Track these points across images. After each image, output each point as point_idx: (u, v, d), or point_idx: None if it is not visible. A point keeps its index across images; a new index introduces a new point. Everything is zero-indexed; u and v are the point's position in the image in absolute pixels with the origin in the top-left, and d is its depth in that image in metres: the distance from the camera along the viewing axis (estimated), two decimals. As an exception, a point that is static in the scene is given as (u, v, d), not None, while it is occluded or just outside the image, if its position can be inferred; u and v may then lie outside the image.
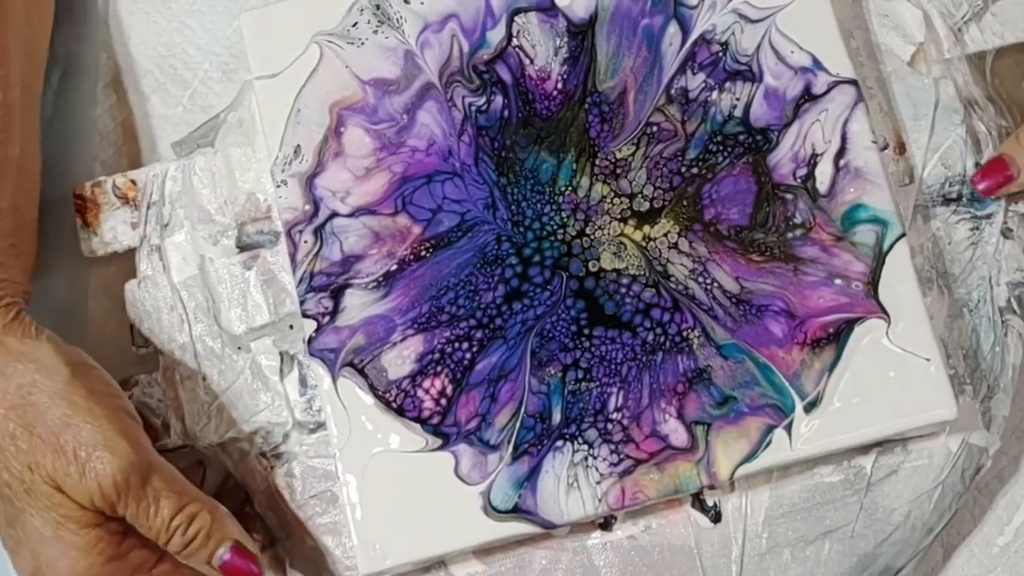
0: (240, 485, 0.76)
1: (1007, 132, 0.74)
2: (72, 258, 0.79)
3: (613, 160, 0.72)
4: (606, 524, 0.72)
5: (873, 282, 0.70)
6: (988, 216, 0.73)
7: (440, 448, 0.70)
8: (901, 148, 0.73)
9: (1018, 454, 0.78)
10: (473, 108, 0.73)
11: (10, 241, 0.72)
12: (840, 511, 0.71)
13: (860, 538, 0.71)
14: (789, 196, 0.71)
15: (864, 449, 0.71)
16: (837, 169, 0.71)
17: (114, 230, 0.77)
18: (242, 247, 0.76)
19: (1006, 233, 0.72)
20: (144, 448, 0.69)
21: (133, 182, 0.77)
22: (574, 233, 0.72)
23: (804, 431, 0.69)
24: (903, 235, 0.70)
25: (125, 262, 0.77)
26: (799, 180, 0.71)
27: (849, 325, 0.69)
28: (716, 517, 0.72)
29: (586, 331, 0.71)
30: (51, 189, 0.78)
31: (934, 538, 0.72)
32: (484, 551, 0.72)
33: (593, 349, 0.70)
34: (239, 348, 0.75)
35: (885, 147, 0.73)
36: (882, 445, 0.71)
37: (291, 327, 0.74)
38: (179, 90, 0.82)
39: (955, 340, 0.72)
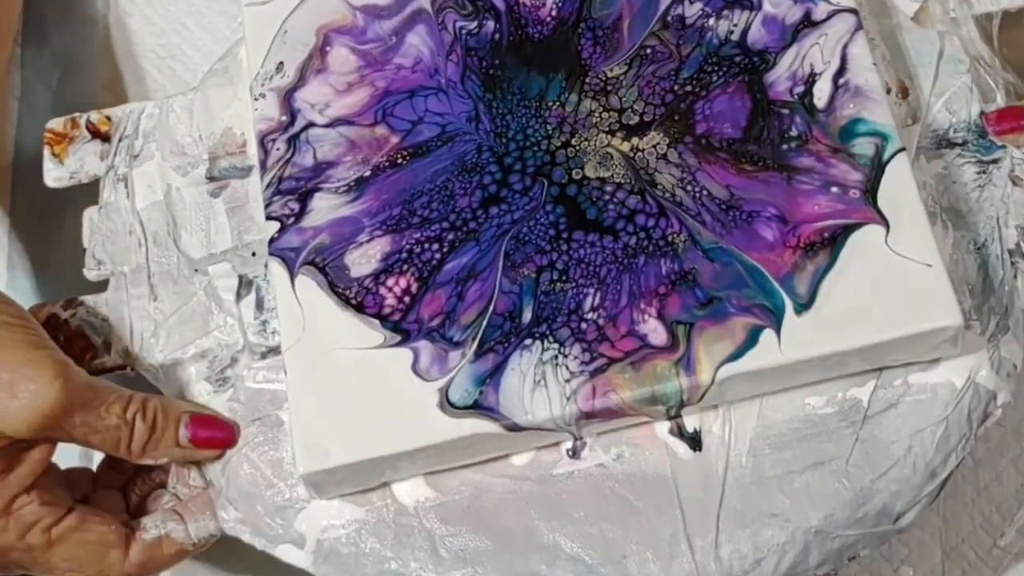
0: None
1: (1015, 89, 0.70)
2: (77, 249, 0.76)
3: (604, 79, 0.70)
4: (574, 452, 0.65)
5: (872, 190, 0.65)
6: (995, 161, 0.69)
7: (399, 344, 0.65)
8: (904, 92, 0.70)
9: (1017, 455, 0.76)
10: (464, 31, 0.71)
11: None
12: (833, 443, 0.65)
13: (855, 472, 0.64)
14: (785, 111, 0.68)
15: (860, 380, 0.65)
16: (836, 87, 0.68)
17: (82, 160, 0.74)
18: (212, 179, 0.72)
19: (1015, 180, 0.68)
20: (66, 365, 0.65)
21: (108, 118, 0.74)
22: (559, 144, 0.68)
23: (795, 334, 0.63)
24: (903, 149, 0.66)
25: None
26: (796, 97, 0.68)
27: (845, 231, 0.65)
28: (696, 444, 0.65)
29: (564, 235, 0.66)
30: (51, 189, 0.76)
31: (938, 486, 0.65)
32: (435, 474, 0.66)
33: (571, 252, 0.66)
34: (196, 271, 0.70)
35: (888, 91, 0.70)
36: (880, 377, 0.65)
37: (254, 254, 0.70)
38: (177, 91, 0.80)
39: (961, 276, 0.66)
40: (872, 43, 0.71)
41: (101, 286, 0.72)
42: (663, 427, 0.65)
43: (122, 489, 0.71)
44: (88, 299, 0.71)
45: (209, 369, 0.69)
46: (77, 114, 0.74)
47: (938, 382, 0.65)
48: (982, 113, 0.69)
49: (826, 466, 0.64)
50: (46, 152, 0.74)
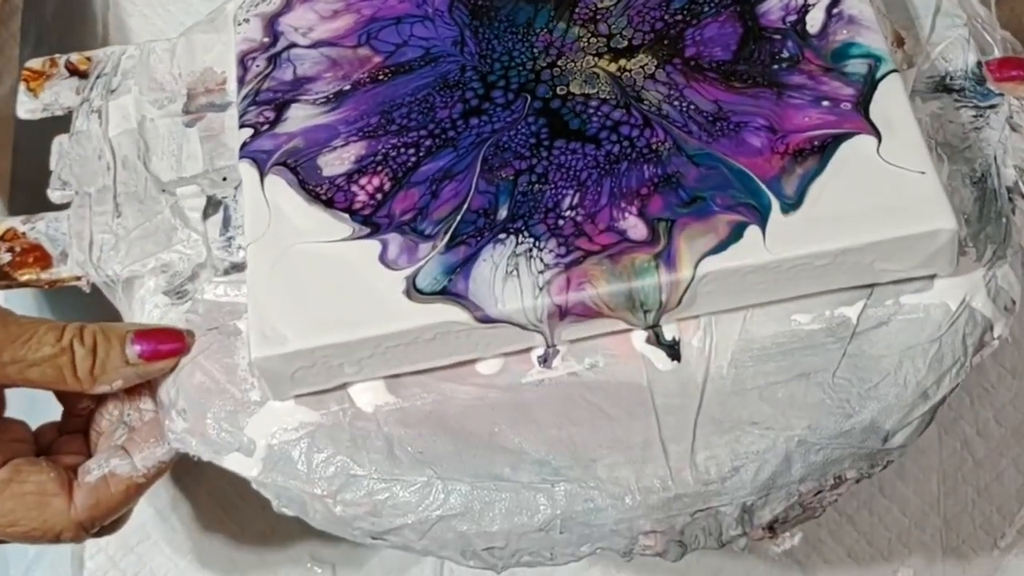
0: None
1: (1012, 47, 0.69)
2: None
3: (593, 8, 0.68)
4: (545, 359, 0.62)
5: (863, 103, 0.63)
6: (992, 106, 0.67)
7: (367, 236, 0.62)
8: (899, 42, 0.69)
9: (1018, 455, 0.74)
10: (453, -36, 0.70)
11: None
12: (819, 356, 0.61)
13: (842, 384, 0.60)
14: (777, 36, 0.66)
15: (848, 299, 0.62)
16: (830, 16, 0.66)
17: (56, 95, 0.72)
18: (188, 113, 0.71)
19: (1014, 127, 0.66)
20: None
21: (88, 58, 0.73)
22: (544, 65, 0.67)
23: (781, 232, 0.60)
24: (896, 70, 0.64)
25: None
26: (788, 24, 0.66)
27: (836, 140, 0.62)
28: (674, 353, 0.61)
29: (546, 143, 0.64)
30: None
31: (931, 410, 0.61)
32: (398, 382, 0.62)
33: (551, 159, 0.63)
34: (163, 191, 0.68)
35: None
36: (870, 296, 0.62)
37: (224, 179, 0.68)
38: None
39: (956, 206, 0.63)
40: (866, -1, 0.70)
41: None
42: (640, 339, 0.62)
43: (86, 433, 0.67)
44: (50, 215, 0.68)
45: (168, 283, 0.66)
46: (57, 55, 0.73)
47: (932, 303, 0.62)
48: (980, 63, 0.67)
49: (811, 378, 0.60)
50: (21, 87, 0.72)
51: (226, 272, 0.65)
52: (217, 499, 0.79)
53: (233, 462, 0.62)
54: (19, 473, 0.63)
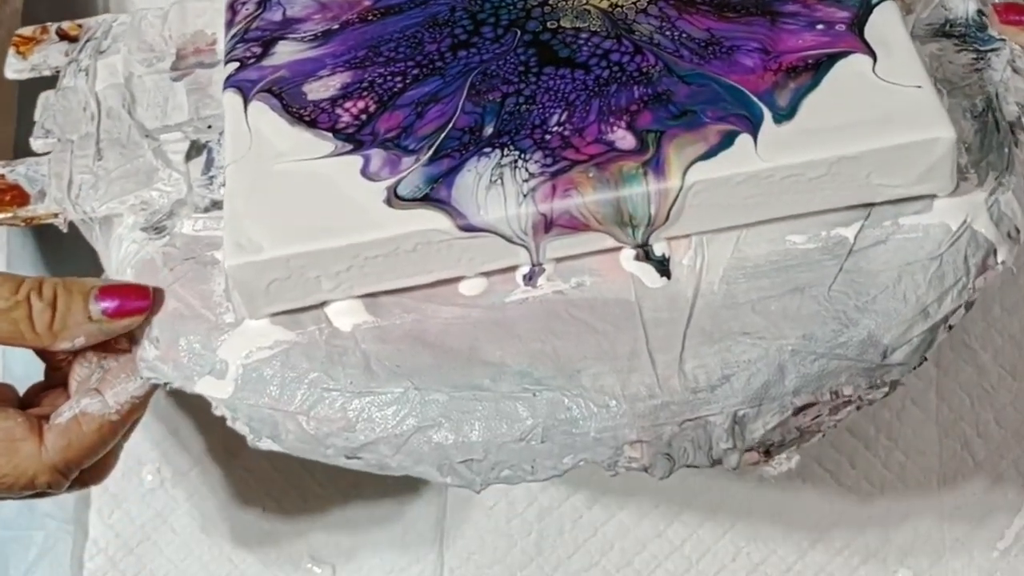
0: None
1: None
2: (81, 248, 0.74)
3: (587, -46, 0.68)
4: (530, 277, 0.60)
5: (859, 24, 0.62)
6: (994, 50, 0.65)
7: (350, 152, 0.61)
8: (897, -10, 0.68)
9: (1018, 456, 0.74)
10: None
11: None
12: (815, 272, 0.59)
13: (838, 297, 0.58)
14: (770, -26, 0.65)
15: (845, 220, 0.60)
16: (825, -44, 0.66)
17: (45, 57, 0.71)
18: (176, 71, 0.70)
19: (1016, 69, 0.65)
20: None
21: (80, 25, 0.72)
22: (535, 3, 0.66)
23: (773, 141, 0.58)
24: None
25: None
26: (783, -36, 0.66)
27: (831, 59, 0.61)
28: (663, 269, 0.59)
29: (535, 70, 0.63)
30: None
31: (931, 328, 0.58)
32: (377, 302, 0.60)
33: (540, 83, 0.62)
34: (147, 136, 0.67)
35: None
36: (868, 217, 0.60)
37: (209, 127, 0.67)
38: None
39: (957, 134, 0.62)
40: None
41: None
42: (629, 257, 0.60)
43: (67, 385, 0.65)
44: (30, 159, 0.67)
45: (147, 220, 0.64)
46: (49, 23, 0.72)
47: (931, 223, 0.60)
48: (980, 11, 0.66)
49: (806, 291, 0.58)
50: (11, 51, 0.71)
51: (206, 209, 0.64)
52: (217, 500, 0.77)
53: (205, 385, 0.60)
54: None
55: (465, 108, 0.61)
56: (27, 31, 0.72)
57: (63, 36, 0.71)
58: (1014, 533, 0.74)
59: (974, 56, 0.65)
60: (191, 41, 0.70)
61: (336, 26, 0.66)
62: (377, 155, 0.60)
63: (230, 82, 0.64)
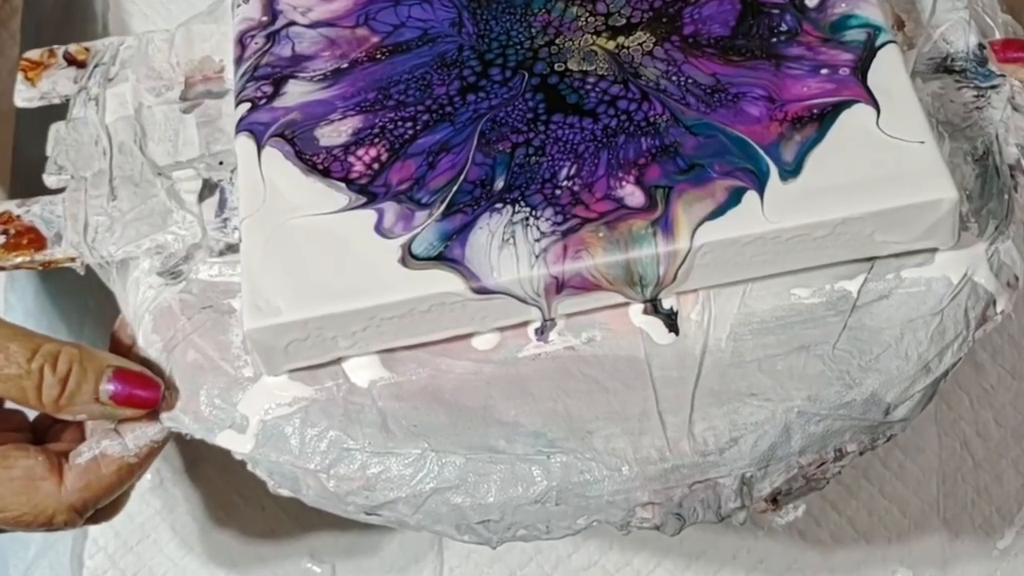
0: (127, 329, 0.66)
1: (1013, 31, 0.69)
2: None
3: (592, -12, 0.68)
4: (542, 332, 0.61)
5: (862, 69, 0.63)
6: (994, 87, 0.66)
7: (364, 206, 0.61)
8: (899, 24, 0.68)
9: (1018, 456, 0.74)
10: (450, -54, 0.70)
11: None
12: (819, 329, 0.60)
13: (843, 355, 0.59)
14: (775, 11, 0.66)
15: (849, 273, 0.61)
16: (829, -10, 0.66)
17: (54, 83, 0.71)
18: (185, 100, 0.70)
19: (1016, 107, 0.66)
20: None
21: (87, 48, 0.73)
22: (542, 43, 0.66)
23: (779, 200, 0.59)
24: (895, 41, 0.64)
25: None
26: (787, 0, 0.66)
27: (835, 108, 0.62)
28: (671, 323, 0.61)
29: (543, 117, 0.63)
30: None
31: (933, 383, 0.60)
32: (392, 357, 0.61)
33: (549, 132, 0.63)
34: (159, 175, 0.67)
35: (881, 21, 0.69)
36: (871, 270, 0.61)
37: (221, 163, 0.67)
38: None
39: (958, 182, 0.62)
40: (869, -21, 0.69)
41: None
42: (638, 312, 0.61)
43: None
44: (45, 198, 0.68)
45: (163, 264, 0.65)
46: (56, 46, 0.73)
47: (933, 276, 0.61)
48: (981, 45, 0.67)
49: (811, 350, 0.60)
50: (19, 76, 0.72)
51: (221, 253, 0.65)
52: (217, 498, 0.78)
53: (226, 439, 0.61)
54: (6, 459, 0.62)
55: (476, 159, 0.62)
56: (34, 55, 0.72)
57: (71, 61, 0.72)
58: (1014, 532, 0.74)
59: (975, 94, 0.66)
60: (199, 68, 0.71)
61: (345, 65, 0.66)
62: (390, 208, 0.61)
63: (243, 125, 0.64)
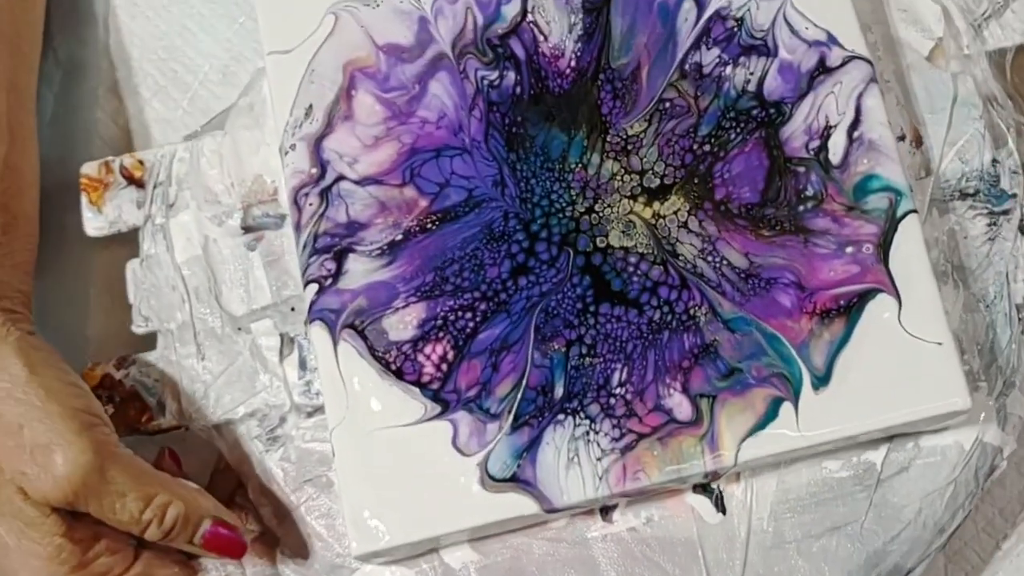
0: (232, 470, 0.74)
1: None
2: (78, 246, 0.79)
3: (624, 136, 0.71)
4: (606, 513, 0.70)
5: (884, 245, 0.68)
6: (1006, 212, 0.71)
7: (439, 416, 0.69)
8: (918, 141, 0.72)
9: (1019, 460, 0.77)
10: (485, 82, 0.72)
11: None
12: (849, 506, 0.69)
13: (869, 535, 0.69)
14: (801, 169, 0.70)
15: (874, 444, 0.70)
16: (851, 140, 0.70)
17: (119, 209, 0.76)
18: (247, 228, 0.75)
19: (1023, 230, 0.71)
20: (104, 444, 0.68)
21: (141, 162, 0.76)
22: (583, 210, 0.71)
23: (812, 412, 0.67)
24: (915, 211, 0.69)
25: (134, 247, 0.77)
26: (812, 152, 0.70)
27: (860, 301, 0.68)
28: (720, 505, 0.70)
29: (591, 308, 0.69)
30: (52, 187, 0.78)
31: (946, 538, 0.70)
32: (479, 539, 0.70)
33: (598, 326, 0.69)
34: (239, 329, 0.74)
35: (902, 138, 0.72)
36: (893, 440, 0.70)
37: (292, 309, 0.73)
38: (179, 93, 0.82)
39: (970, 335, 0.70)
40: (887, 85, 0.73)
41: (145, 340, 0.76)
42: (689, 490, 0.70)
43: None
44: (139, 357, 0.74)
45: (260, 427, 0.73)
46: (110, 158, 0.76)
47: (947, 444, 0.70)
48: (995, 161, 0.71)
49: (842, 530, 0.69)
50: (84, 199, 0.76)
51: (309, 415, 0.72)
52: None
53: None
54: (150, 569, 0.71)
55: (535, 360, 0.69)
56: (92, 170, 0.76)
57: (128, 178, 0.76)
58: (1017, 532, 0.76)
59: (988, 222, 0.71)
60: (252, 192, 0.75)
61: (399, 236, 0.71)
62: (463, 421, 0.69)
63: (314, 312, 0.70)
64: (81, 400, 0.69)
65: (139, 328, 0.75)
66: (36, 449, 0.67)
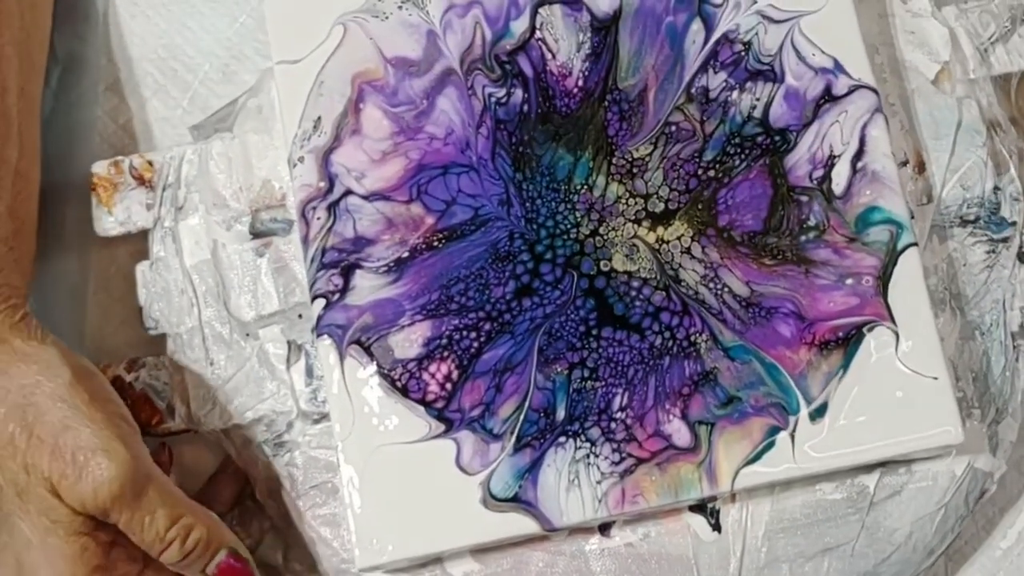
0: (241, 471, 0.76)
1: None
2: (76, 244, 0.80)
3: (630, 159, 0.72)
4: (605, 528, 0.72)
5: (884, 278, 0.69)
6: (1005, 240, 0.72)
7: (443, 434, 0.70)
8: (920, 167, 0.73)
9: (1019, 459, 0.78)
10: (493, 99, 0.73)
11: (8, 245, 0.72)
12: (841, 528, 0.71)
13: (860, 557, 0.71)
14: (804, 198, 0.71)
15: (868, 468, 0.71)
16: (854, 171, 0.71)
17: (128, 210, 0.77)
18: (255, 234, 0.76)
19: (1022, 258, 0.72)
20: (141, 458, 0.69)
21: (150, 163, 0.77)
22: (587, 232, 0.72)
23: (808, 442, 0.69)
24: (915, 244, 0.70)
25: (133, 245, 0.78)
26: (815, 182, 0.71)
27: (859, 333, 0.69)
28: (716, 524, 0.71)
29: (594, 331, 0.71)
30: (52, 183, 0.79)
31: (935, 560, 0.72)
32: (481, 550, 0.72)
33: (600, 350, 0.70)
34: (247, 335, 0.75)
35: (905, 163, 0.73)
36: (886, 465, 0.71)
37: (300, 316, 0.75)
38: (179, 92, 0.82)
39: (965, 362, 0.71)
40: (892, 109, 0.73)
41: (142, 338, 0.77)
42: (685, 508, 0.72)
43: None
44: (150, 360, 0.76)
45: (267, 432, 0.74)
46: (119, 158, 0.77)
47: (939, 470, 0.71)
48: (996, 188, 0.72)
49: (834, 551, 0.71)
50: (94, 199, 0.77)
51: (316, 422, 0.74)
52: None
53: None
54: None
55: (537, 382, 0.70)
56: (102, 170, 0.77)
57: (138, 179, 0.77)
58: (1016, 532, 0.77)
59: (987, 250, 0.72)
60: (260, 198, 0.76)
61: (406, 253, 0.72)
62: (467, 441, 0.70)
63: (322, 327, 0.72)
64: (119, 409, 0.71)
65: (150, 332, 0.76)
66: (79, 452, 0.68)
